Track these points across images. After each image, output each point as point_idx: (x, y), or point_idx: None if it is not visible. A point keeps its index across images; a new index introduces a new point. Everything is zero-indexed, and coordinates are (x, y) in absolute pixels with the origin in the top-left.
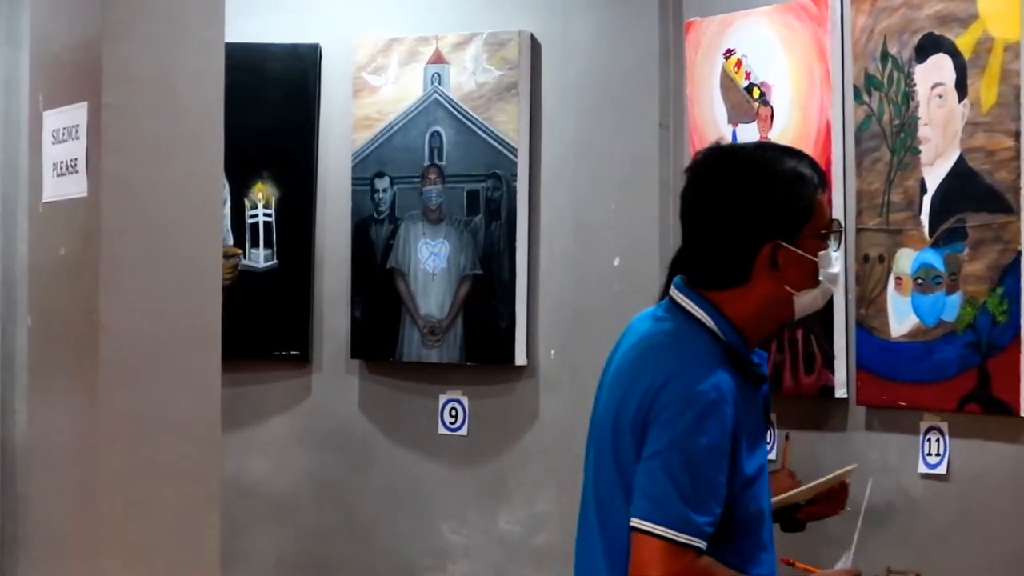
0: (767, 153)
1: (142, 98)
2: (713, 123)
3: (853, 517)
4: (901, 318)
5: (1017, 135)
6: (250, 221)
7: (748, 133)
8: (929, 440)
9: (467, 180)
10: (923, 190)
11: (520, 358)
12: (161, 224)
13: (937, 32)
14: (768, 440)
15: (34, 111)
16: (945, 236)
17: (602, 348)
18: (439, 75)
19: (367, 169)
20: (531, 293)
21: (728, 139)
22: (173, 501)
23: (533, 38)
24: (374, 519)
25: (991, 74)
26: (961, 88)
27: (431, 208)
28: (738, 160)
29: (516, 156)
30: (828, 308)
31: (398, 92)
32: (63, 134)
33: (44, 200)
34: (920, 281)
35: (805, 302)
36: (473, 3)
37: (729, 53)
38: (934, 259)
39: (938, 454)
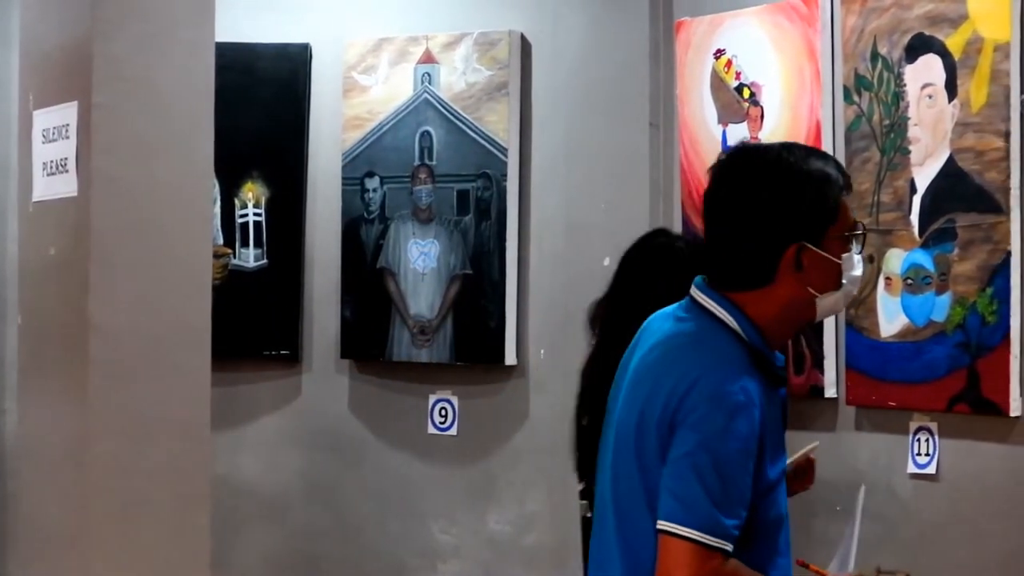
0: (794, 154)
1: (132, 98)
2: (703, 123)
3: (844, 518)
4: (891, 318)
5: (1007, 135)
6: (240, 221)
7: (738, 133)
8: (919, 440)
9: (457, 180)
10: (913, 190)
11: (510, 358)
12: (151, 224)
13: (927, 32)
14: None
15: (24, 110)
16: (935, 236)
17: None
18: (429, 75)
19: (357, 169)
20: (521, 293)
21: (718, 139)
22: (163, 500)
23: (523, 38)
24: (364, 519)
25: (981, 74)
26: (951, 88)
27: (421, 208)
28: (765, 160)
29: (506, 156)
30: None
31: (388, 92)
32: (53, 133)
33: (34, 200)
34: (910, 281)
35: (827, 304)
36: (463, 3)
37: (719, 53)
38: (924, 259)
39: (927, 454)
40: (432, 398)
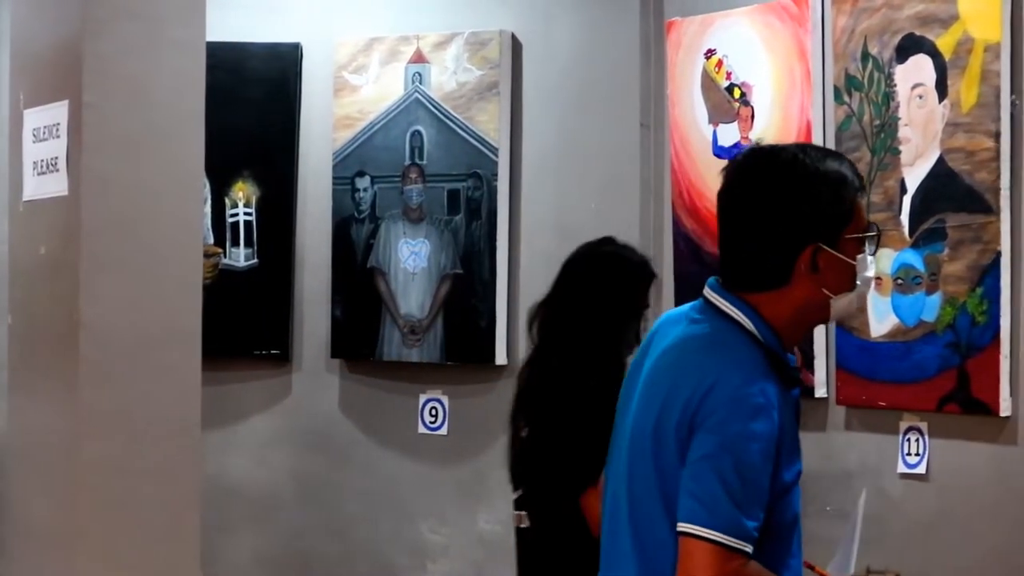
0: (810, 155)
1: (123, 97)
2: (694, 123)
3: (833, 518)
4: (881, 318)
5: (997, 136)
6: (230, 220)
7: (729, 133)
8: (909, 440)
9: (448, 179)
10: (903, 190)
11: (500, 357)
12: (142, 223)
13: (918, 33)
14: None
15: (15, 109)
16: (925, 236)
17: None
18: (420, 74)
19: (348, 168)
20: (511, 293)
21: (709, 139)
22: (153, 499)
23: (514, 38)
24: (354, 518)
25: (971, 75)
26: (941, 89)
27: (412, 207)
28: (781, 162)
29: (497, 156)
30: None
31: (379, 91)
32: (44, 133)
33: (25, 199)
34: (900, 281)
35: (841, 306)
36: (454, 3)
37: (710, 53)
38: (914, 259)
39: (917, 454)
40: (422, 398)
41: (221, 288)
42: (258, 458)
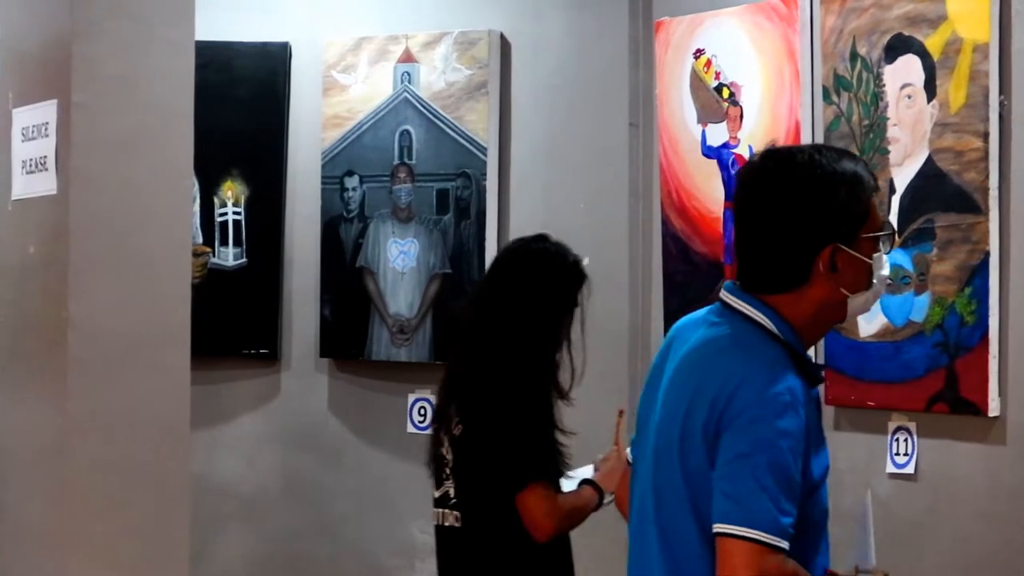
0: (825, 156)
1: (112, 96)
2: (683, 123)
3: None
4: (870, 318)
5: (986, 136)
6: (219, 219)
7: (717, 133)
8: (897, 440)
9: (437, 179)
10: (892, 190)
11: None
12: (131, 222)
13: (906, 33)
14: None
15: (3, 109)
16: (914, 236)
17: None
18: (409, 74)
19: (337, 168)
20: None
21: (697, 139)
22: (142, 499)
23: (503, 37)
24: (343, 518)
25: (960, 75)
26: (930, 89)
27: (400, 207)
28: (799, 163)
29: (486, 155)
30: None
31: (368, 91)
32: (32, 132)
33: (13, 198)
34: (889, 281)
35: (858, 304)
36: (443, 2)
37: (699, 53)
38: (903, 259)
39: (906, 454)
40: (411, 397)
41: (210, 287)
42: (247, 457)
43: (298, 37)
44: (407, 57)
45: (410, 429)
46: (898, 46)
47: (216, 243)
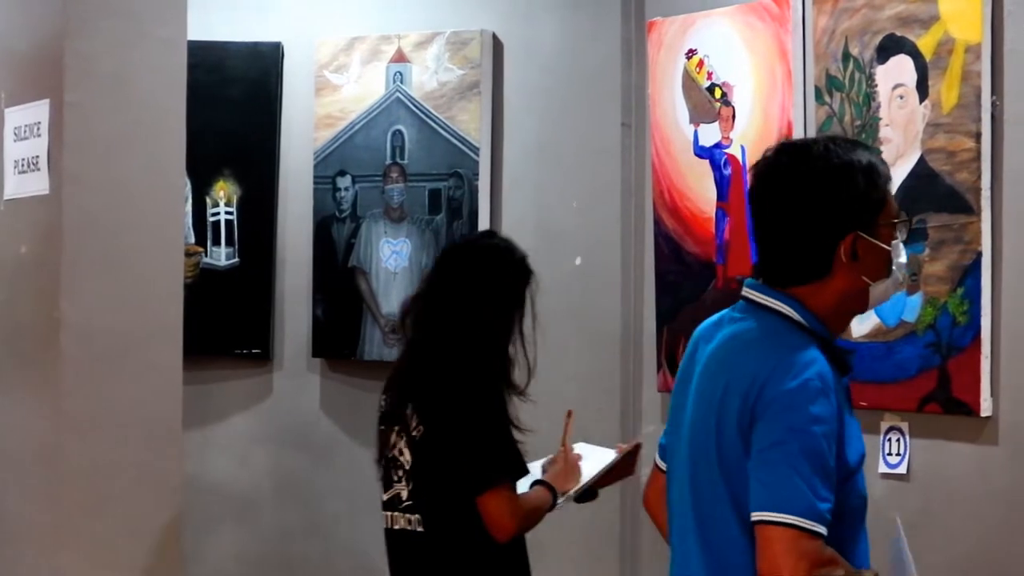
0: (840, 146)
1: (104, 96)
2: (675, 123)
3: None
4: (862, 318)
5: (978, 136)
6: (211, 219)
7: (709, 133)
8: (890, 440)
9: (429, 179)
10: None
11: None
12: (123, 222)
13: (898, 33)
14: None
15: None
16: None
17: (563, 346)
18: (401, 74)
19: (329, 167)
20: None
21: (689, 139)
22: (134, 498)
23: (495, 37)
24: (335, 517)
25: (952, 75)
26: (922, 89)
27: (393, 207)
28: (815, 155)
29: (478, 155)
30: None
31: (360, 91)
32: (25, 131)
33: (5, 198)
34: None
35: (879, 292)
36: (435, 2)
37: (691, 53)
38: None
39: (898, 454)
40: None
41: (202, 287)
42: (239, 457)
43: (290, 37)
44: (399, 57)
45: None
46: (890, 46)
47: (208, 243)
